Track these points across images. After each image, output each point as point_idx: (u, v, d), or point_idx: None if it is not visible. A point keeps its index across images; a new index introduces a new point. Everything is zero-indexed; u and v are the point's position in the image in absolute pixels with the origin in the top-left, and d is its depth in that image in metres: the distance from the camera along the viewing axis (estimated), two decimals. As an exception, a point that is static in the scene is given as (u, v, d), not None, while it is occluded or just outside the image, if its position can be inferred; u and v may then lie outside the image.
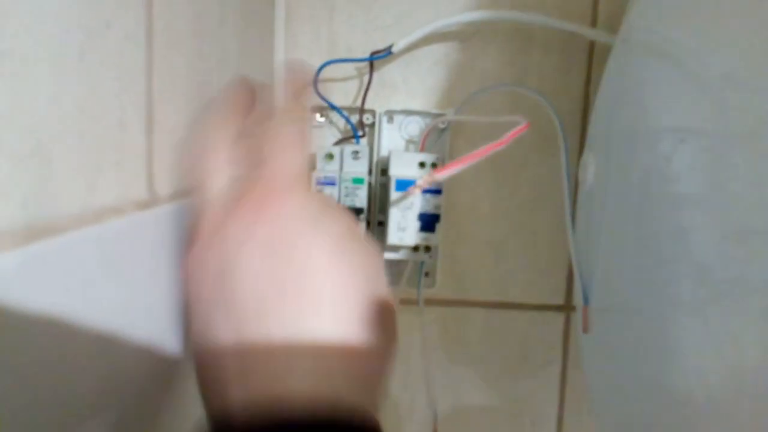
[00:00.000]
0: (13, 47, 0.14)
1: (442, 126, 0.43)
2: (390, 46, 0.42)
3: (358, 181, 0.40)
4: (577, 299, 0.36)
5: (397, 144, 0.44)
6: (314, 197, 0.24)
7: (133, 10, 0.20)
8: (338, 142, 0.44)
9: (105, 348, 0.19)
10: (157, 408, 0.24)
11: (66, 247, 0.16)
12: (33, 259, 0.15)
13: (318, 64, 0.42)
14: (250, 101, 0.27)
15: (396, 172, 0.40)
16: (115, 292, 0.19)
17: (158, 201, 0.22)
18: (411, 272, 0.44)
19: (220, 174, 0.24)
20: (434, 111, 0.44)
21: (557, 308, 0.47)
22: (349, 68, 0.44)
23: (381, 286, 0.24)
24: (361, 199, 0.40)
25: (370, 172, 0.43)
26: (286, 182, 0.23)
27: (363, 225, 0.28)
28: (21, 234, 0.14)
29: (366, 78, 0.43)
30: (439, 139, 0.44)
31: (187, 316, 0.23)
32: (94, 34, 0.17)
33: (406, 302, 0.46)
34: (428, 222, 0.40)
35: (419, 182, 0.35)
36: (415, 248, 0.42)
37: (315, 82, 0.41)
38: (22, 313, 0.14)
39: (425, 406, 0.47)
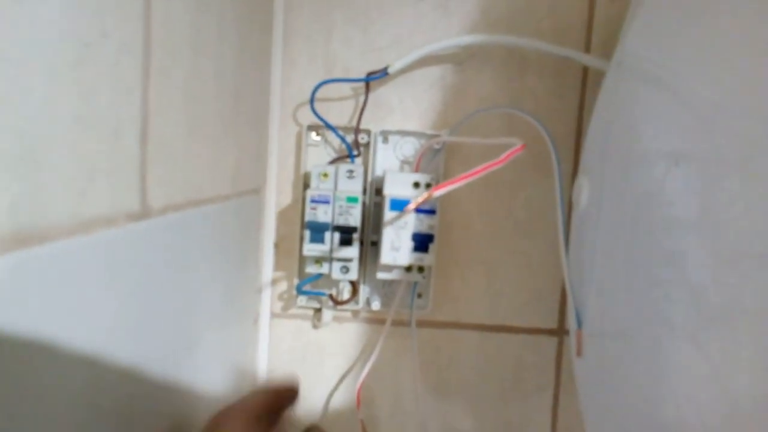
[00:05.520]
0: (6, 50, 0.14)
1: (437, 147, 0.44)
2: (386, 68, 0.42)
3: (352, 199, 0.40)
4: (571, 323, 0.36)
5: (392, 164, 0.44)
6: None
7: (131, 21, 0.20)
8: (333, 161, 0.44)
9: (94, 358, 0.18)
10: (151, 419, 0.23)
11: (56, 255, 0.16)
12: (22, 265, 0.14)
13: (314, 84, 0.42)
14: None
15: (390, 191, 0.40)
16: (106, 304, 0.19)
17: (151, 213, 0.22)
18: (404, 293, 0.44)
19: None
20: (429, 132, 0.44)
21: (550, 332, 0.47)
22: (345, 88, 0.45)
23: None
24: (355, 218, 0.40)
25: (364, 191, 0.43)
26: None
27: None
28: (9, 239, 0.14)
29: (362, 98, 0.43)
30: (434, 160, 0.44)
31: None
32: (90, 44, 0.17)
33: (398, 324, 0.46)
34: (422, 242, 0.40)
35: (416, 198, 0.35)
36: (408, 268, 0.42)
37: (312, 101, 0.42)
38: (10, 320, 0.14)
39: (415, 430, 0.47)
